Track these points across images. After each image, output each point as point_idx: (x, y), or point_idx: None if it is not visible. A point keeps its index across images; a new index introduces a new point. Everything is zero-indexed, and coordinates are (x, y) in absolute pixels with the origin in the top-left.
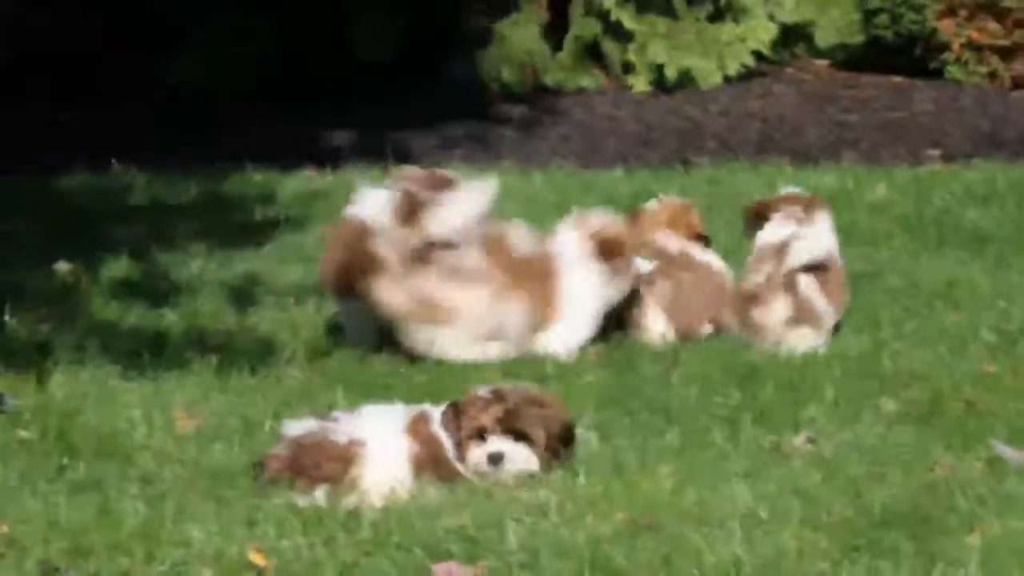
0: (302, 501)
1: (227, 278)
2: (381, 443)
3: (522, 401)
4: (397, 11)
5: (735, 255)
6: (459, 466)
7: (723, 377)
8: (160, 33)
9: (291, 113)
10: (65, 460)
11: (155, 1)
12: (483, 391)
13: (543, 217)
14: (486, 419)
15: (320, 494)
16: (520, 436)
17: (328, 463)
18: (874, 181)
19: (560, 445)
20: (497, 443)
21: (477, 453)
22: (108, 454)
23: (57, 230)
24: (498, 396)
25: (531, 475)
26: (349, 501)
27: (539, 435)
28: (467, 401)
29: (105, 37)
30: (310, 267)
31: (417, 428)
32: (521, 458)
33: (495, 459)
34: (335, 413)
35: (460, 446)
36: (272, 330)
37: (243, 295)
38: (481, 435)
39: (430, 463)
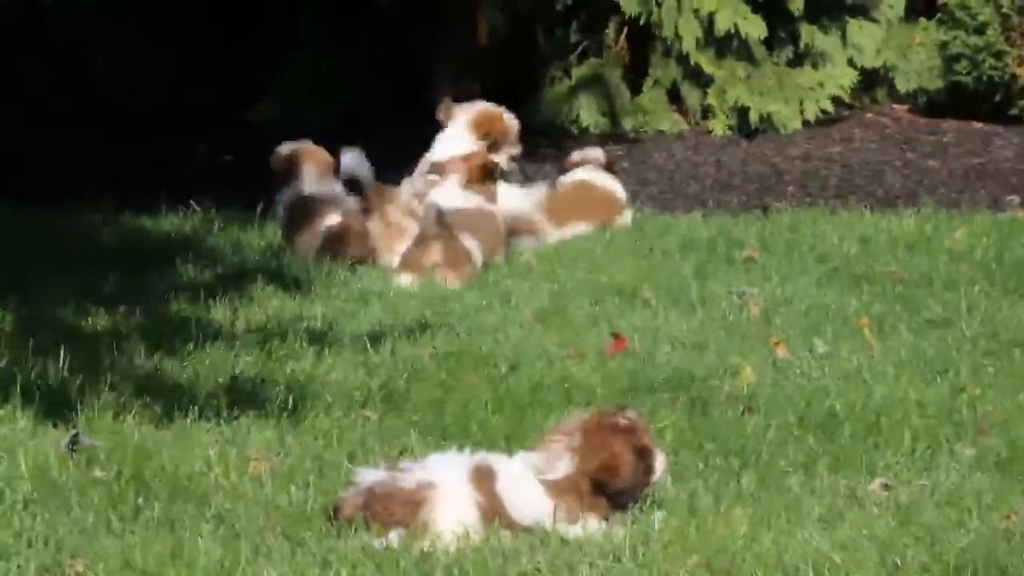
0: (376, 543)
1: (302, 319)
2: (449, 488)
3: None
4: (480, 54)
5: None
6: (535, 519)
7: (799, 422)
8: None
9: (373, 154)
10: (140, 500)
11: (243, 45)
12: (633, 415)
13: (621, 260)
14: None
15: (394, 536)
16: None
17: (398, 508)
18: (953, 227)
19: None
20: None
21: (662, 459)
22: (183, 494)
23: (133, 269)
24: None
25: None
26: (423, 544)
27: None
28: (637, 419)
29: (193, 79)
30: (386, 309)
31: (480, 480)
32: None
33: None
34: (403, 463)
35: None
36: (347, 372)
37: (318, 337)
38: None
39: (493, 516)
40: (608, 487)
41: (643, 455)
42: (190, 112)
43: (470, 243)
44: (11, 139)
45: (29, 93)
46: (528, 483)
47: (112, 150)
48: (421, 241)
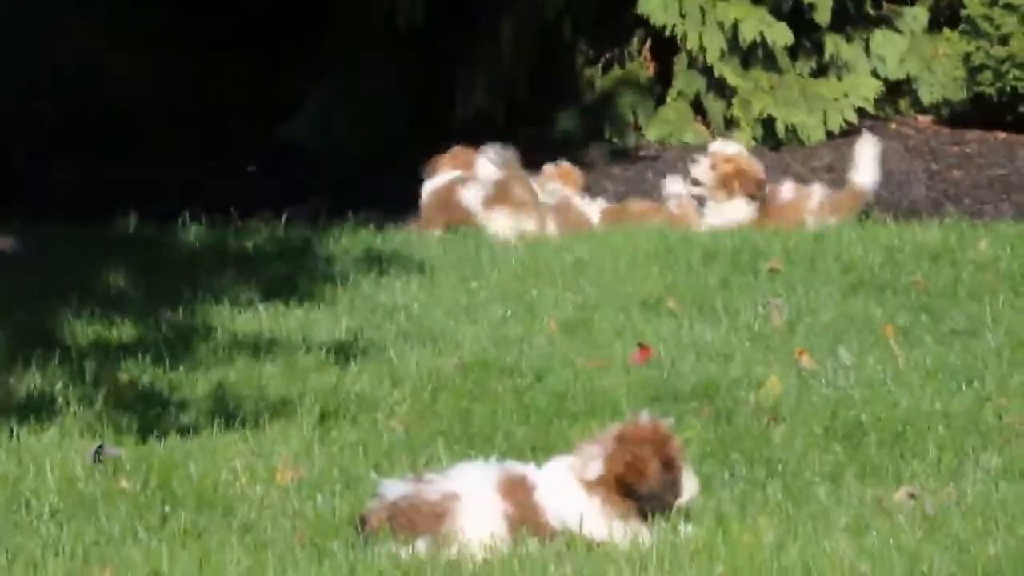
0: (403, 553)
1: (329, 331)
2: (476, 498)
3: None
4: (501, 69)
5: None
6: (568, 523)
7: (825, 432)
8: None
9: (400, 169)
10: (167, 509)
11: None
12: (647, 425)
13: (646, 271)
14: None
15: (421, 545)
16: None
17: (424, 519)
18: (977, 237)
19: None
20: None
21: (691, 478)
22: (210, 504)
23: (159, 280)
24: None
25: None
26: (450, 553)
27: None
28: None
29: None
30: (412, 320)
31: (510, 488)
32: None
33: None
34: (428, 474)
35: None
36: (373, 383)
37: (344, 348)
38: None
39: (523, 522)
40: (633, 488)
41: (670, 465)
42: (220, 129)
43: None
44: (46, 162)
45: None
46: (567, 484)
47: (142, 168)
48: None
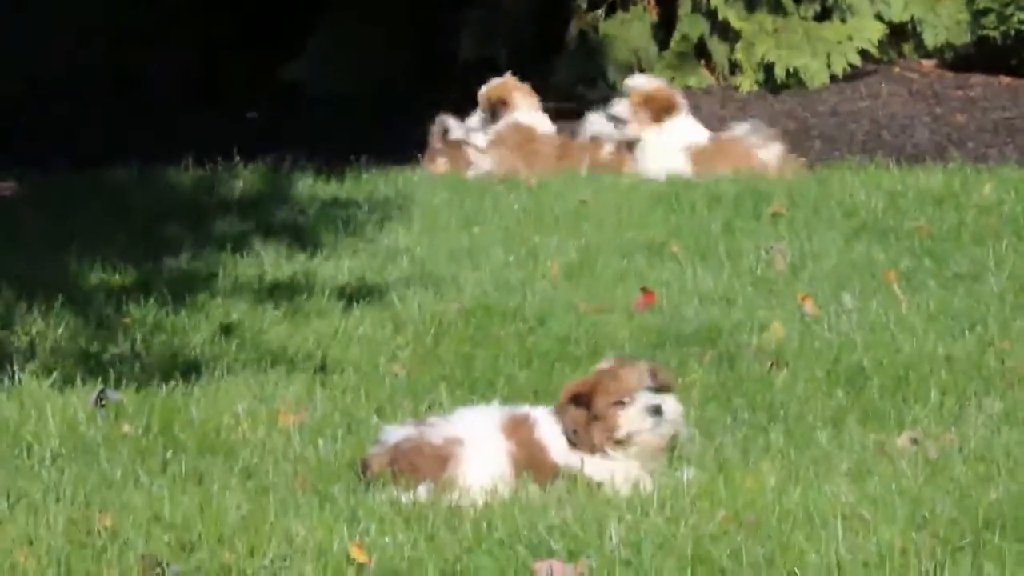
0: (404, 498)
1: (331, 275)
2: (478, 442)
3: (654, 360)
4: (503, 12)
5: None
6: (570, 460)
7: (827, 376)
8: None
9: (399, 113)
10: (168, 454)
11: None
12: (606, 364)
13: (648, 216)
14: (633, 379)
15: (423, 491)
16: (667, 389)
17: (426, 463)
18: (981, 182)
19: None
20: (651, 397)
21: (633, 412)
22: (211, 448)
23: (160, 224)
24: (630, 360)
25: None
26: (451, 498)
27: (676, 388)
28: (597, 376)
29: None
30: (415, 264)
31: (514, 429)
32: (676, 409)
33: (657, 410)
34: (431, 419)
35: (597, 425)
36: (375, 328)
37: (346, 293)
38: (623, 400)
39: (528, 463)
40: (578, 408)
41: (585, 402)
42: (221, 74)
43: None
44: (43, 109)
45: (59, 63)
46: None
47: (143, 114)
48: None
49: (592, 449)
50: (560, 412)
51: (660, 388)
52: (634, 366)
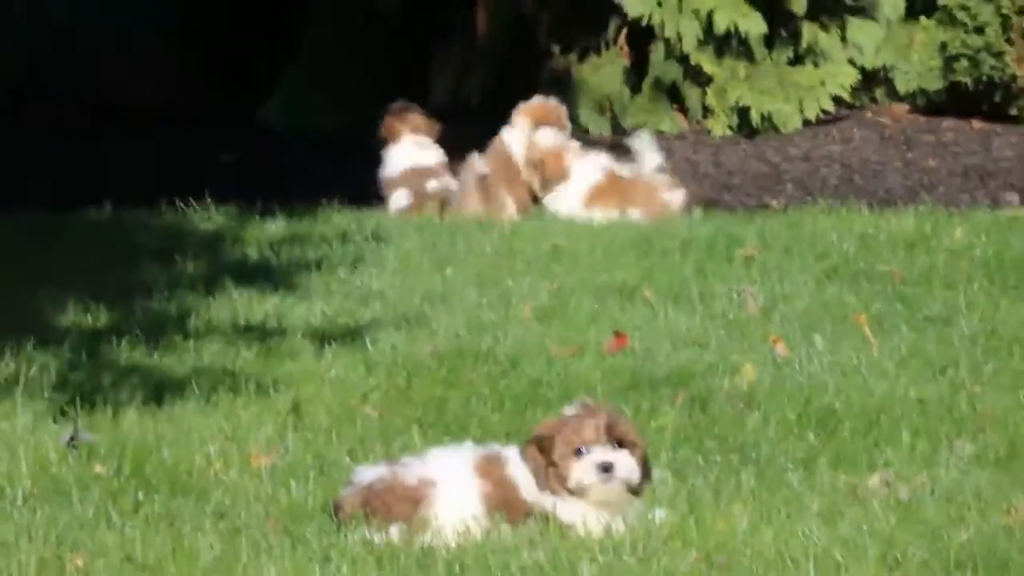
0: (376, 539)
1: (304, 317)
2: (451, 483)
3: (616, 412)
4: (479, 56)
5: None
6: (541, 500)
7: (799, 419)
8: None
9: (373, 153)
10: (140, 495)
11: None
12: (571, 409)
13: (621, 258)
14: (588, 431)
15: (395, 531)
16: (623, 444)
17: (399, 504)
18: (953, 225)
19: (646, 463)
20: (603, 453)
21: (583, 466)
22: (183, 490)
23: (133, 264)
24: (592, 409)
25: (631, 487)
26: (424, 539)
27: (638, 444)
28: (558, 422)
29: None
30: (387, 306)
31: (487, 468)
32: (629, 466)
33: (606, 468)
34: (403, 459)
35: (552, 471)
36: (347, 369)
37: (319, 334)
38: (579, 450)
39: (501, 503)
40: (540, 452)
41: (546, 448)
42: (195, 112)
43: None
44: (13, 143)
45: (31, 97)
46: None
47: (115, 149)
48: None
49: (552, 492)
50: (523, 453)
51: (619, 442)
52: (592, 418)
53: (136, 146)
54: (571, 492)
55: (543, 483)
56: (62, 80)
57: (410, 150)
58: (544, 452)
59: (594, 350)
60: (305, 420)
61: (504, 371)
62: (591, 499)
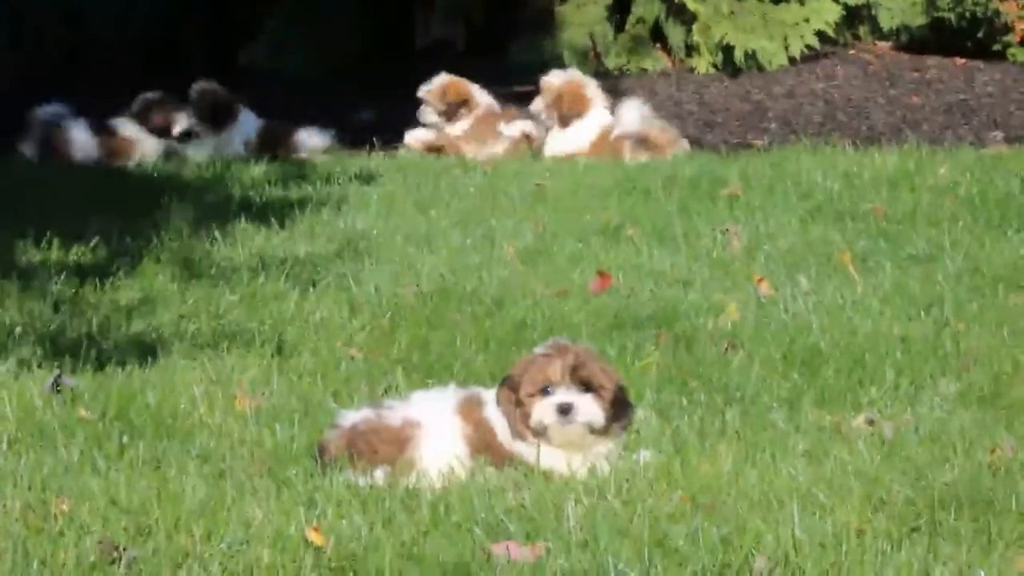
0: (361, 481)
1: (287, 259)
2: (435, 424)
3: (585, 353)
4: None
5: (785, 231)
6: (514, 445)
7: (783, 358)
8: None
9: (359, 95)
10: (125, 439)
11: None
12: (541, 349)
13: (604, 199)
14: (552, 371)
15: (379, 474)
16: (588, 387)
17: (383, 446)
18: (937, 163)
19: (621, 405)
20: (564, 394)
21: (543, 406)
22: (168, 433)
23: (116, 207)
24: (560, 349)
25: (594, 430)
26: (408, 481)
27: (606, 386)
28: (526, 361)
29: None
30: (371, 248)
31: (469, 410)
32: (590, 410)
33: (565, 409)
34: (387, 401)
35: (519, 414)
36: (332, 311)
37: (303, 276)
38: (545, 390)
39: (483, 446)
40: (508, 391)
41: (513, 387)
42: (180, 55)
43: None
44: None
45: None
46: None
47: (101, 93)
48: None
49: (518, 435)
50: (497, 396)
51: (585, 384)
52: (559, 358)
53: (118, 92)
54: (536, 433)
55: (513, 427)
56: (44, 28)
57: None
58: (514, 392)
59: (578, 290)
60: (289, 362)
61: (488, 312)
62: (553, 441)
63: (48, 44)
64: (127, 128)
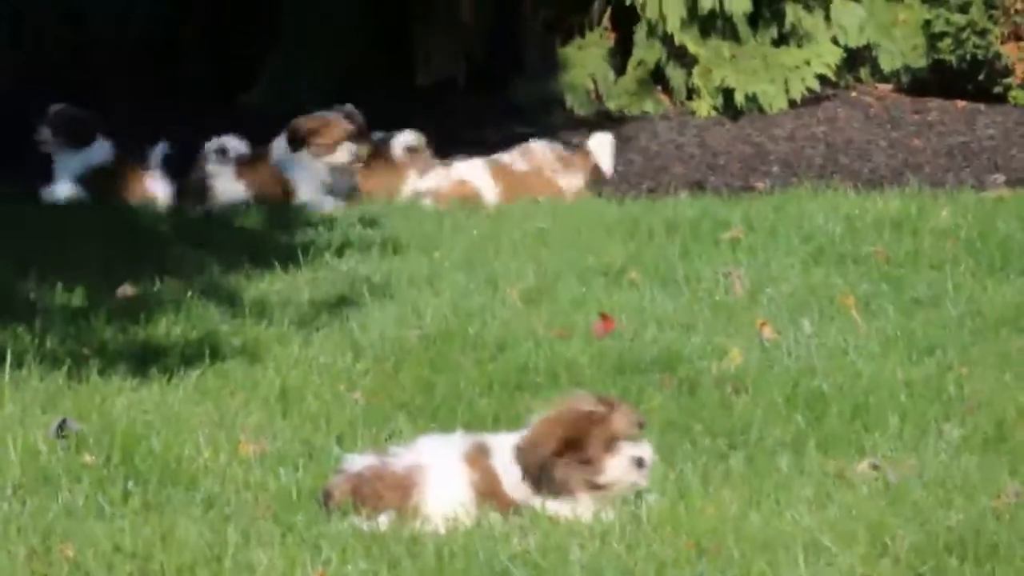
0: (366, 526)
1: (290, 302)
2: (441, 470)
3: (626, 403)
4: (464, 37)
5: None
6: (516, 492)
7: (786, 402)
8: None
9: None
10: (130, 484)
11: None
12: (580, 402)
13: (607, 241)
14: (623, 426)
15: (384, 519)
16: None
17: (388, 492)
18: (938, 206)
19: None
20: (635, 447)
21: (619, 462)
22: (173, 478)
23: (119, 248)
24: (608, 403)
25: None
26: (413, 526)
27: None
28: (582, 418)
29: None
30: (374, 291)
31: (475, 458)
32: (653, 458)
33: (641, 462)
34: (392, 448)
35: (580, 468)
36: (335, 355)
37: (306, 319)
38: (613, 446)
39: (488, 493)
40: (522, 461)
41: (577, 445)
42: (181, 96)
43: None
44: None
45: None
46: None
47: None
48: None
49: (562, 492)
50: (528, 452)
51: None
52: (618, 411)
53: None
54: (596, 488)
55: (559, 483)
56: (44, 28)
57: None
58: (574, 450)
59: (581, 333)
60: (293, 406)
61: (492, 355)
62: (614, 493)
63: (48, 44)
64: None
